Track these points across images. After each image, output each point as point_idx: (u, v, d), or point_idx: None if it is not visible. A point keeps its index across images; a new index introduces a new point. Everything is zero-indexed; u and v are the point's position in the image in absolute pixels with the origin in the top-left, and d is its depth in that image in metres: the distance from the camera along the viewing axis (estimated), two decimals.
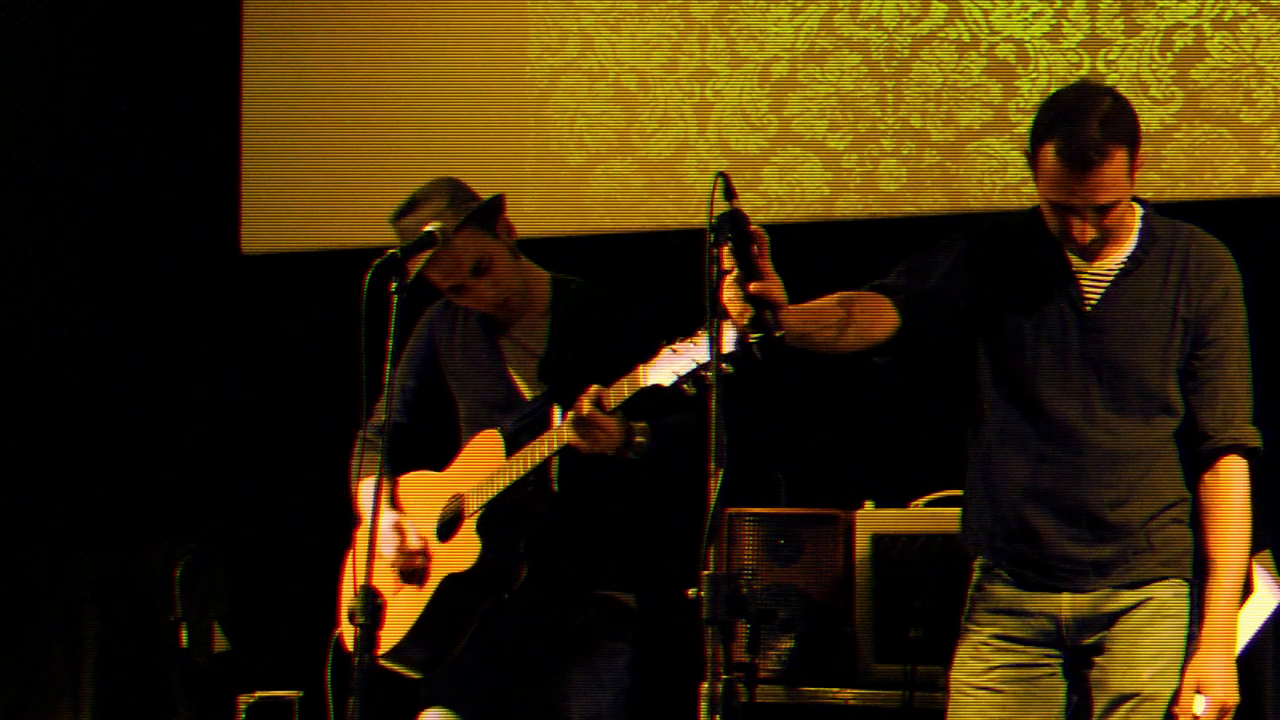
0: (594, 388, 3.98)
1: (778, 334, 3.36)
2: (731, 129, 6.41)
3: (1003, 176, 5.97)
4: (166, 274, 7.21)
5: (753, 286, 3.34)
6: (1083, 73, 5.94)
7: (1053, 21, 5.99)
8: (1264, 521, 5.74)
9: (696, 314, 3.90)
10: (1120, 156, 3.59)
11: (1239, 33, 5.77)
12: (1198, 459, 3.77)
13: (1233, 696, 3.74)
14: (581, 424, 3.96)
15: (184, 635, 6.86)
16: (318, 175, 6.88)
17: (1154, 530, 3.75)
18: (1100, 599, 3.76)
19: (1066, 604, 3.77)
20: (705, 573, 3.21)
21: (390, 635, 4.24)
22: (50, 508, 7.01)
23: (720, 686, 3.19)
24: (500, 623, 4.24)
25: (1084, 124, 3.57)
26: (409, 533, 4.29)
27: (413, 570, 4.29)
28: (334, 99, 6.93)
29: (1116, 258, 3.75)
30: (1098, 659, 3.75)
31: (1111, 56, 5.92)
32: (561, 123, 6.65)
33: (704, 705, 5.81)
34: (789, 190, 6.23)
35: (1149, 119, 5.85)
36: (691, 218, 6.43)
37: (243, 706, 6.32)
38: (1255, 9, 5.75)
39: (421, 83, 6.81)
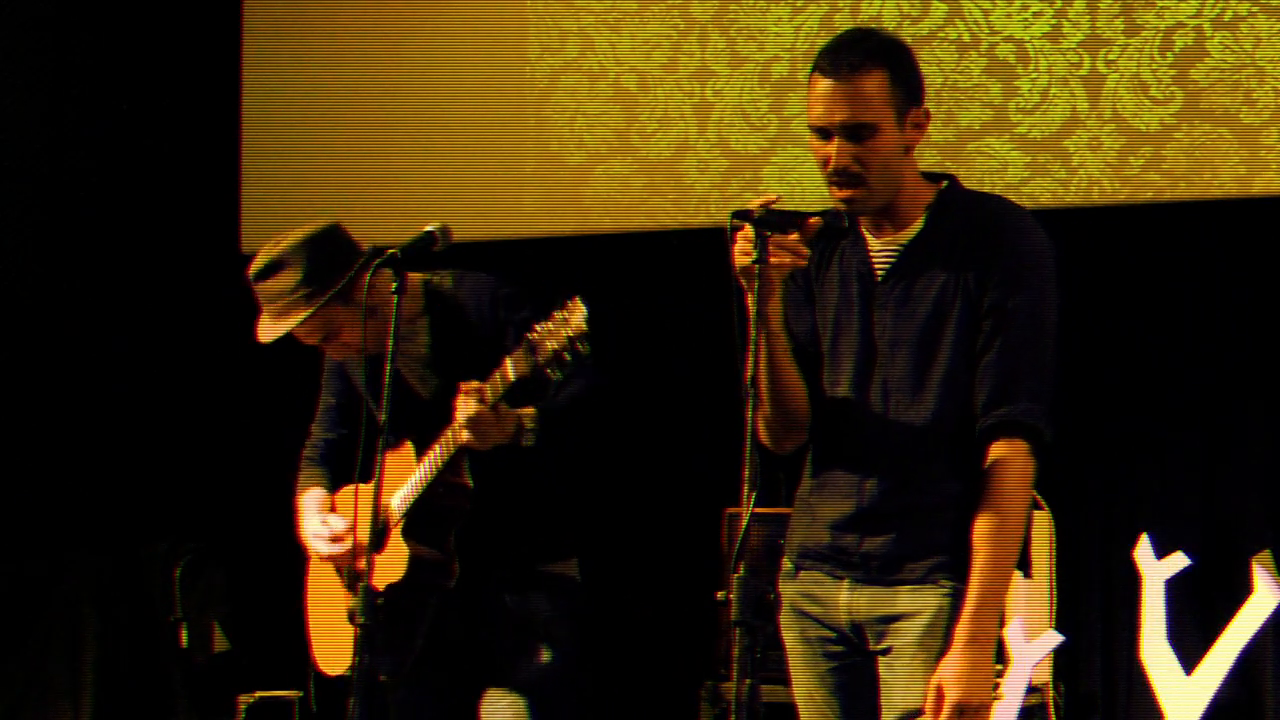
0: (473, 384, 4.06)
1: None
2: (731, 129, 6.41)
3: (1003, 176, 5.97)
4: (166, 273, 7.21)
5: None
6: (1083, 73, 5.94)
7: (1053, 21, 5.99)
8: (1264, 521, 5.79)
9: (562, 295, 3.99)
10: (878, 77, 3.49)
11: (1239, 33, 5.77)
12: (976, 443, 3.50)
13: (974, 696, 3.43)
14: (471, 423, 4.04)
15: (184, 635, 6.87)
16: (318, 175, 6.88)
17: (928, 526, 3.53)
18: (878, 596, 3.57)
19: (844, 596, 3.61)
20: (735, 575, 3.23)
21: (348, 649, 4.27)
22: (50, 508, 7.02)
23: (745, 688, 3.19)
24: (452, 617, 4.30)
25: (848, 46, 3.53)
26: (333, 523, 4.36)
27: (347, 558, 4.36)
28: (334, 99, 6.93)
29: (911, 231, 3.59)
30: (882, 659, 3.59)
31: (1111, 56, 5.92)
32: (561, 123, 6.65)
33: (705, 705, 5.83)
34: (789, 190, 6.23)
35: (1149, 119, 5.86)
36: (691, 218, 6.44)
37: (243, 706, 6.33)
38: (1255, 9, 5.75)
39: (421, 82, 6.82)
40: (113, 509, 7.08)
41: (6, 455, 6.97)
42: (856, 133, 3.50)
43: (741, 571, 3.24)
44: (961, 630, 3.46)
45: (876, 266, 3.61)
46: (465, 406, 4.06)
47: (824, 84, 3.51)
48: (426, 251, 4.18)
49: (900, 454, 3.55)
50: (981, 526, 3.48)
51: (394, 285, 4.05)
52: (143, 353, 7.20)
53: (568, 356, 3.88)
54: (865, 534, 3.58)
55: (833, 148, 3.52)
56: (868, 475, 3.58)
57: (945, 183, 3.65)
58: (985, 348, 3.51)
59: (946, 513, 3.53)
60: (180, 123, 7.22)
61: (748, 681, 3.20)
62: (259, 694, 6.35)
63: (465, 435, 4.08)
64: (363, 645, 3.86)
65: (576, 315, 3.86)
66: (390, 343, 4.04)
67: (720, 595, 3.29)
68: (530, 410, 4.15)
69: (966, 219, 3.58)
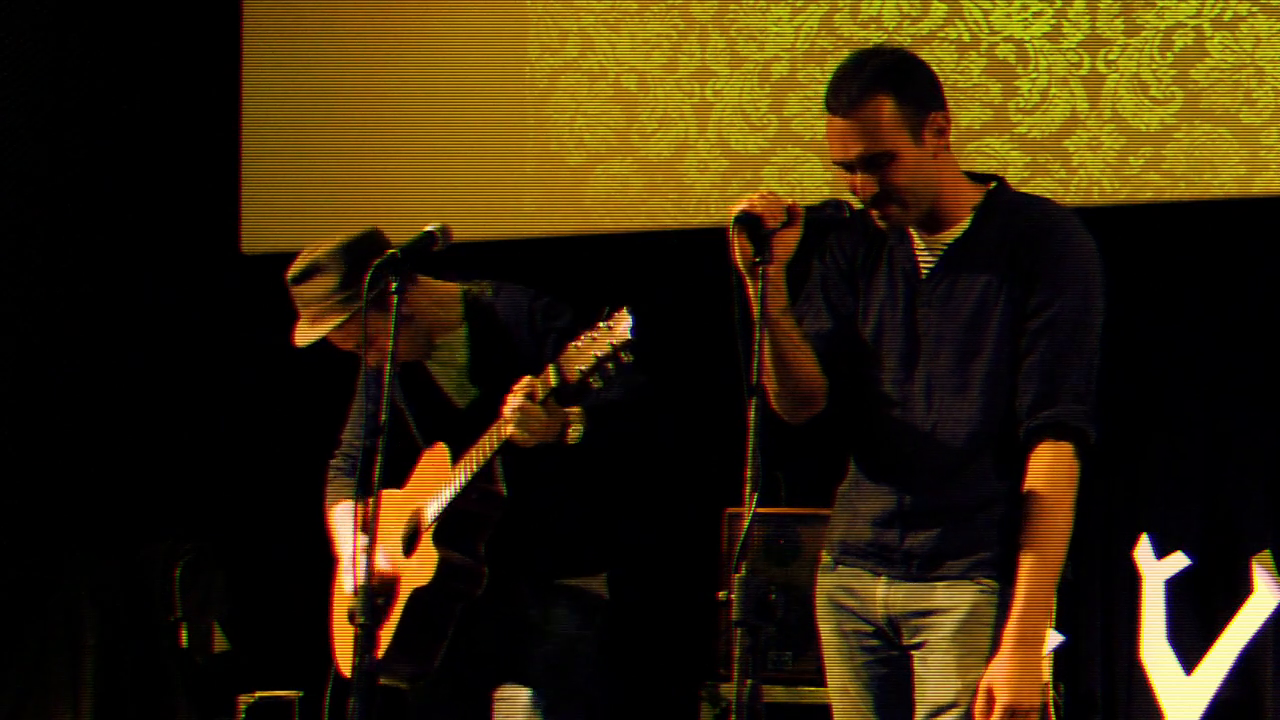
0: (525, 379, 4.06)
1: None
2: (731, 129, 6.41)
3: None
4: (167, 274, 7.21)
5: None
6: (1083, 73, 5.94)
7: (1053, 21, 5.99)
8: (1264, 521, 5.79)
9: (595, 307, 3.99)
10: (884, 104, 3.49)
11: (1239, 33, 5.77)
12: (1020, 444, 3.53)
13: (1025, 699, 3.45)
14: (519, 416, 4.03)
15: (184, 635, 6.87)
16: (318, 175, 6.88)
17: (972, 524, 3.56)
18: (915, 591, 3.60)
19: (882, 591, 3.63)
20: (737, 575, 3.25)
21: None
22: (49, 508, 7.02)
23: (746, 689, 3.20)
24: (474, 625, 4.29)
25: (848, 78, 3.52)
26: (375, 558, 4.33)
27: (384, 588, 4.34)
28: (334, 99, 6.93)
29: (956, 231, 3.61)
30: (916, 654, 3.62)
31: (1111, 56, 5.92)
32: (561, 123, 6.65)
33: (705, 705, 5.83)
34: (789, 190, 6.23)
35: (1149, 119, 5.86)
36: (691, 218, 6.44)
37: (243, 706, 6.33)
38: (1255, 9, 5.76)
39: (421, 82, 6.82)
40: (113, 509, 7.08)
41: (6, 455, 6.97)
42: (875, 162, 3.53)
43: (742, 571, 3.26)
44: (1010, 632, 3.48)
45: (921, 264, 3.64)
46: (514, 400, 4.05)
47: (835, 122, 3.54)
48: (426, 252, 4.18)
49: (944, 450, 3.57)
50: (1028, 527, 3.50)
51: (394, 285, 4.05)
52: (142, 353, 7.19)
53: (610, 366, 3.89)
54: (907, 530, 3.60)
55: (859, 179, 3.55)
56: (911, 471, 3.60)
57: (994, 184, 3.67)
58: (1029, 349, 3.54)
59: (990, 511, 3.55)
60: (180, 123, 7.21)
61: (748, 681, 3.21)
62: (259, 694, 6.35)
63: (511, 428, 4.06)
64: (362, 645, 3.86)
65: (621, 325, 3.86)
66: (390, 343, 4.03)
67: (720, 595, 3.31)
68: (577, 410, 4.14)
69: (1013, 220, 3.60)
